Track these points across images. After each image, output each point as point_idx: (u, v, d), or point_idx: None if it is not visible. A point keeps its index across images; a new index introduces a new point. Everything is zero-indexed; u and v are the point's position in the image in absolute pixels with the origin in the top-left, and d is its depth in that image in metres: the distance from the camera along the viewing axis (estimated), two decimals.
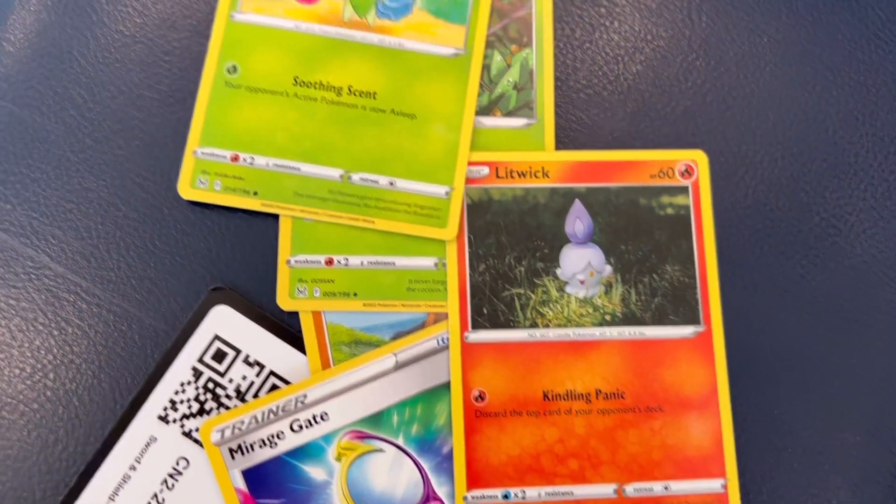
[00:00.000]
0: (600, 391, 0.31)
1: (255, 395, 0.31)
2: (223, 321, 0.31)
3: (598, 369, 0.31)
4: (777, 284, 0.32)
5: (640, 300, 0.32)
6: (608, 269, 0.32)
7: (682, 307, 0.32)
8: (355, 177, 0.32)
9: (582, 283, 0.31)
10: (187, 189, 0.32)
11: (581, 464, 0.30)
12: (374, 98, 0.32)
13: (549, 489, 0.30)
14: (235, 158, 0.32)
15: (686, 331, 0.32)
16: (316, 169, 0.32)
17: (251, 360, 0.31)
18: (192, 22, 0.34)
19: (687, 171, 0.33)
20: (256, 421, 0.31)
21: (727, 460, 0.31)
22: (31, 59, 0.34)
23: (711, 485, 0.31)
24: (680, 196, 0.32)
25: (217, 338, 0.31)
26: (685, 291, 0.32)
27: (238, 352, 0.31)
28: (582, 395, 0.31)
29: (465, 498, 0.30)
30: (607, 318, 0.32)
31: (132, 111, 0.33)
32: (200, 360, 0.31)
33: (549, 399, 0.31)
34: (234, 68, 0.33)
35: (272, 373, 0.31)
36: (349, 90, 0.33)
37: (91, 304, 0.32)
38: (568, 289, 0.31)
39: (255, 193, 0.32)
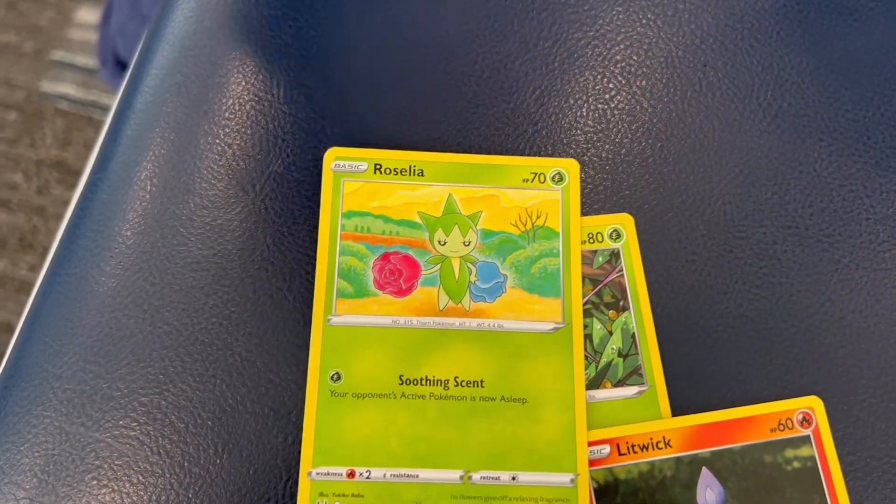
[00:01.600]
0: None
1: None
2: None
3: None
4: None
5: None
6: None
7: None
8: (476, 476, 0.32)
9: None
10: None
11: None
12: (482, 386, 0.33)
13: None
14: (352, 475, 0.32)
15: None
16: (434, 474, 0.32)
17: None
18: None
19: (805, 419, 0.33)
20: None
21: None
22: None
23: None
24: (804, 448, 0.32)
25: None
26: None
27: None
28: None
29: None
30: None
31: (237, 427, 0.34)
32: None
33: None
34: (338, 376, 0.33)
35: None
36: (456, 381, 0.33)
37: None
38: None
39: None
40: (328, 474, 0.32)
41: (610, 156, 0.37)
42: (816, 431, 0.33)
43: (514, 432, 0.32)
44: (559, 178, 0.35)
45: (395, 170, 0.35)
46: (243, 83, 0.38)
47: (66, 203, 0.87)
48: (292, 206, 0.36)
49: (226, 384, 0.34)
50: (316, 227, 0.35)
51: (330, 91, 0.37)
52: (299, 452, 0.32)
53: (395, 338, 0.33)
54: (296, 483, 0.32)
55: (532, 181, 0.35)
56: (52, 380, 0.34)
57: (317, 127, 0.36)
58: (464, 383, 0.33)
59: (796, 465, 0.32)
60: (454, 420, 0.32)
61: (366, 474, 0.32)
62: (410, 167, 0.35)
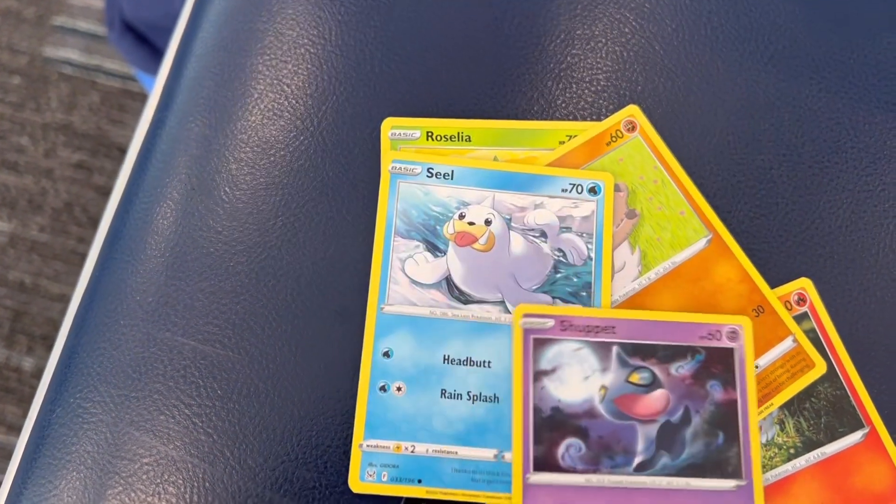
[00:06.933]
0: None
1: None
2: None
3: (803, 498, 0.36)
4: None
5: (812, 425, 0.37)
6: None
7: (846, 417, 0.37)
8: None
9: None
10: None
11: None
12: None
13: None
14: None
15: (856, 436, 0.37)
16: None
17: None
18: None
19: (800, 299, 0.38)
20: None
21: None
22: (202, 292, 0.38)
23: None
24: (804, 322, 0.38)
25: None
26: (842, 402, 0.37)
27: None
28: None
29: None
30: (792, 451, 0.37)
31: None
32: None
33: None
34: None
35: None
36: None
37: None
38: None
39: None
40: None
41: (627, 93, 0.41)
42: (812, 307, 0.38)
43: None
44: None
45: (445, 136, 0.39)
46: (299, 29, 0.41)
47: (72, 165, 0.89)
48: (349, 140, 0.40)
49: (294, 293, 0.38)
50: (373, 168, 0.39)
51: (386, 59, 0.41)
52: (352, 424, 0.36)
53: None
54: (348, 452, 0.36)
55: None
56: (135, 293, 0.38)
57: (371, 95, 0.40)
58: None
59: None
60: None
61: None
62: (459, 133, 0.39)
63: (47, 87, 0.90)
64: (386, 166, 0.38)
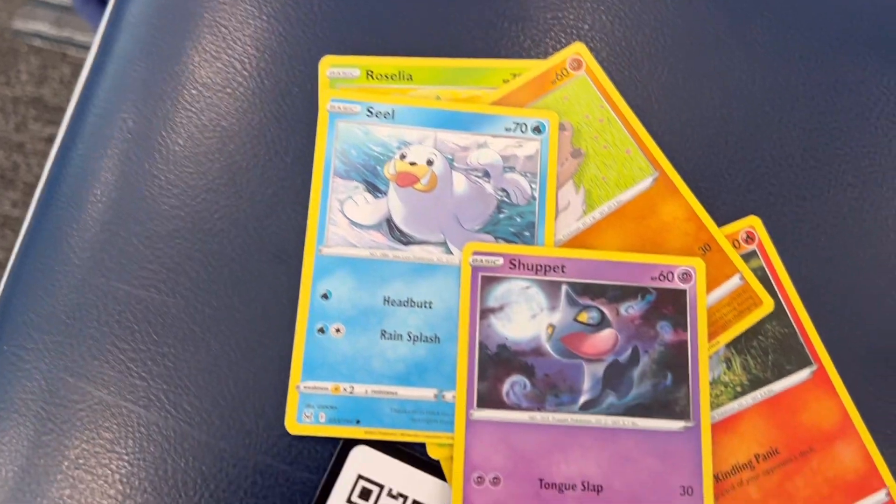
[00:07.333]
0: (759, 455, 0.35)
1: None
2: (363, 460, 0.34)
3: (750, 436, 0.35)
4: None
5: (759, 363, 0.36)
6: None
7: (793, 355, 0.36)
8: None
9: None
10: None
11: None
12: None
13: None
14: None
15: (804, 374, 0.36)
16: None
17: (394, 492, 0.34)
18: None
19: (749, 237, 0.38)
20: None
21: (882, 471, 0.35)
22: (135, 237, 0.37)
23: (877, 498, 0.35)
24: (753, 260, 0.37)
25: (360, 477, 0.34)
26: (790, 340, 0.36)
27: (381, 487, 0.34)
28: (746, 464, 0.35)
29: None
30: (738, 389, 0.36)
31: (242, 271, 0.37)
32: (349, 501, 0.34)
33: (719, 479, 0.35)
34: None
35: (415, 502, 0.34)
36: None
37: (237, 464, 0.35)
38: None
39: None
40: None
41: (573, 31, 0.40)
42: (761, 245, 0.37)
43: None
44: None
45: (385, 75, 0.38)
46: None
47: (44, 139, 0.88)
48: (287, 79, 0.39)
49: (231, 235, 0.37)
50: (311, 108, 0.38)
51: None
52: (289, 367, 0.35)
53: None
54: (286, 395, 0.35)
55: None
56: (70, 240, 0.37)
57: (309, 34, 0.39)
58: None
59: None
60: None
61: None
62: (400, 72, 0.39)
63: (17, 60, 0.89)
64: (324, 105, 0.37)
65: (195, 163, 0.38)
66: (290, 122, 0.38)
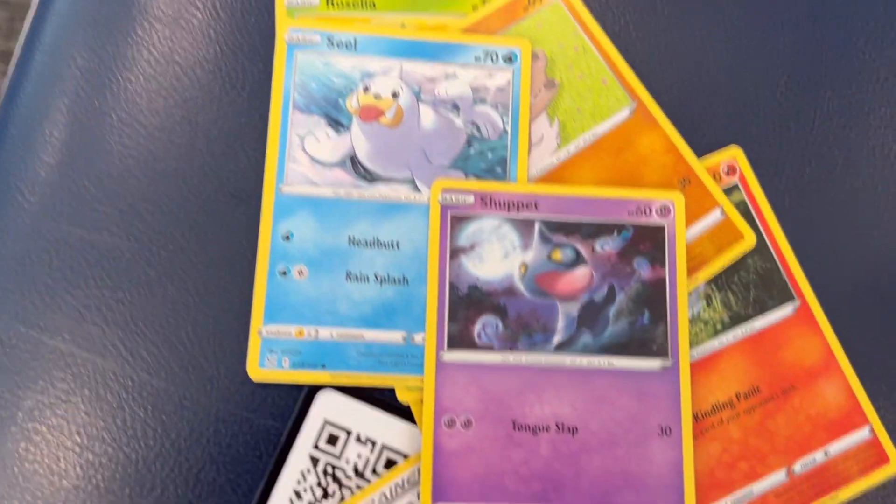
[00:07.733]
0: (740, 394, 0.34)
1: (374, 472, 0.33)
2: (330, 406, 0.33)
3: (730, 374, 0.34)
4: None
5: (740, 299, 0.35)
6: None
7: (776, 290, 0.35)
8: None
9: None
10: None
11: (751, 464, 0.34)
12: None
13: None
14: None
15: (787, 310, 0.35)
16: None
17: (363, 437, 0.33)
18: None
19: (730, 169, 0.36)
20: (386, 498, 0.32)
21: (865, 408, 0.34)
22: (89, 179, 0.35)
23: (860, 435, 0.34)
24: (734, 194, 0.36)
25: (327, 422, 0.33)
26: (772, 275, 0.35)
27: (349, 432, 0.33)
28: (726, 403, 0.34)
29: None
30: (718, 326, 0.35)
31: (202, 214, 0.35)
32: (316, 447, 0.33)
33: (699, 419, 0.34)
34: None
35: (384, 447, 0.33)
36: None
37: (198, 412, 0.33)
38: None
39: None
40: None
41: None
42: (742, 178, 0.36)
43: None
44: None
45: (347, 2, 0.36)
46: None
47: None
48: (243, 8, 0.37)
49: (187, 175, 0.35)
50: (269, 38, 0.36)
51: None
52: (250, 311, 0.33)
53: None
54: (246, 340, 0.33)
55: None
56: (20, 183, 0.35)
57: None
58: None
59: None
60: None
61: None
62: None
63: None
64: (281, 35, 0.35)
65: (148, 100, 0.36)
66: (247, 54, 0.36)
